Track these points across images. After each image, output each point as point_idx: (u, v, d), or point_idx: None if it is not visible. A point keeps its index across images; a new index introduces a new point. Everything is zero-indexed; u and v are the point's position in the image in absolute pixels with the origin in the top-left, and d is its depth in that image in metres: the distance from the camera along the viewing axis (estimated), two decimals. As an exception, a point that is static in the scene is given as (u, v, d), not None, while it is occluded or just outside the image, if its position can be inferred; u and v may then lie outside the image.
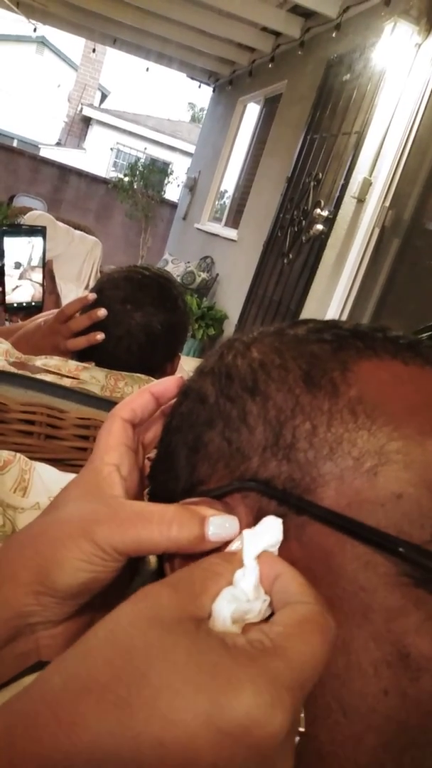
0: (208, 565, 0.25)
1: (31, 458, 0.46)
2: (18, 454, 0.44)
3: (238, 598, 0.24)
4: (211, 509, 0.28)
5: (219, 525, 0.27)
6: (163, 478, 0.33)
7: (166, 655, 0.21)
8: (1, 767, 0.20)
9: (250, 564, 0.26)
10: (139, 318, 0.90)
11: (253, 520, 0.28)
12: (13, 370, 0.72)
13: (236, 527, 0.27)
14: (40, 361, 0.82)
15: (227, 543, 0.28)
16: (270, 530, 0.26)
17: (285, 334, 0.33)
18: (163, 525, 0.27)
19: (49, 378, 0.74)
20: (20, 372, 0.71)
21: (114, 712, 0.20)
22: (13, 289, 1.03)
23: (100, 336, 0.89)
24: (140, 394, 0.34)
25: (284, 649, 0.21)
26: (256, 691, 0.20)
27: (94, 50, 10.15)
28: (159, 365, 0.93)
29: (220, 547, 0.28)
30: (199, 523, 0.27)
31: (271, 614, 0.25)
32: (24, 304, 1.05)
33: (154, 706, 0.20)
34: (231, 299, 4.95)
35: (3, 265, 1.01)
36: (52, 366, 0.82)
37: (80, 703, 0.20)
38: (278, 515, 0.27)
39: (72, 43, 15.59)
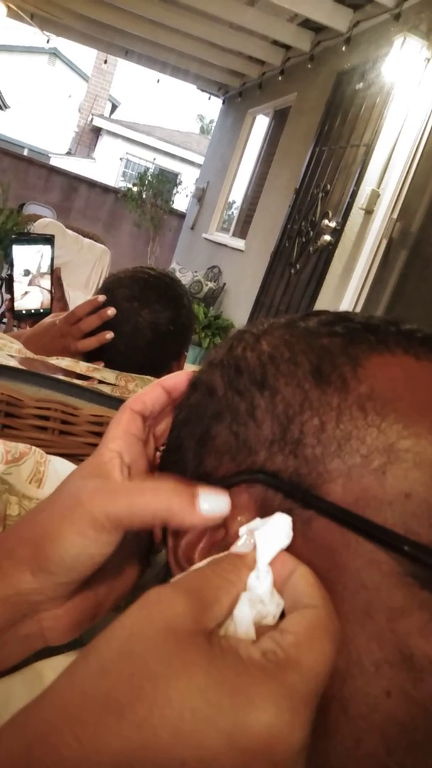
0: (221, 571, 0.25)
1: (45, 452, 0.47)
2: (33, 447, 0.45)
3: (256, 603, 0.25)
4: (204, 485, 0.28)
5: (210, 500, 0.27)
6: (171, 470, 0.33)
7: (186, 674, 0.20)
8: None
9: (264, 569, 0.25)
10: (146, 315, 0.91)
11: (257, 513, 0.28)
12: (26, 368, 0.73)
13: (227, 504, 0.27)
14: (52, 361, 0.84)
15: (224, 525, 0.28)
16: (280, 531, 0.26)
17: (296, 326, 0.32)
18: (155, 491, 0.27)
19: (61, 377, 0.75)
20: (34, 370, 0.72)
21: (136, 732, 0.20)
22: (22, 296, 1.05)
23: (109, 335, 0.90)
24: (152, 388, 0.34)
25: (297, 660, 0.22)
26: (276, 709, 0.20)
27: (105, 61, 10.25)
28: (166, 364, 0.94)
29: (223, 531, 0.28)
30: (191, 493, 0.27)
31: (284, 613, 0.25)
32: (32, 311, 1.06)
33: (177, 727, 0.20)
34: (238, 309, 4.97)
35: (12, 274, 1.02)
36: (64, 366, 0.83)
37: (101, 723, 0.20)
38: (283, 509, 0.27)
39: (83, 55, 15.78)
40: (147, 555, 0.35)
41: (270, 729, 0.20)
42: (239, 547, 0.26)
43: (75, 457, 0.64)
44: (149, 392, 0.34)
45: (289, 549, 0.26)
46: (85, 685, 0.21)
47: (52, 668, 0.30)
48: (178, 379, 0.34)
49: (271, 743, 0.20)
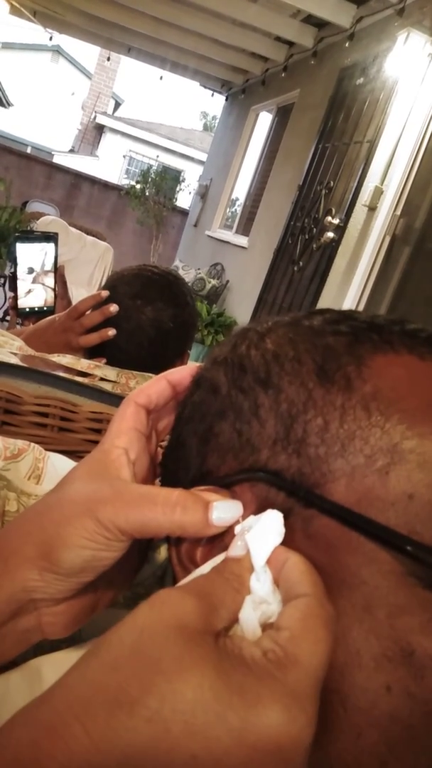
0: (224, 579, 0.25)
1: (44, 449, 0.47)
2: (32, 444, 0.45)
3: (259, 604, 0.25)
4: (216, 494, 0.28)
5: (223, 510, 0.27)
6: (174, 467, 0.33)
7: (198, 670, 0.21)
8: None
9: (261, 570, 0.26)
10: (149, 313, 0.91)
11: (257, 511, 0.28)
12: (27, 365, 0.73)
13: (240, 512, 0.27)
14: (53, 359, 0.84)
15: (232, 527, 0.28)
16: (272, 529, 0.26)
17: (300, 324, 0.32)
18: (167, 507, 0.27)
19: (61, 374, 0.75)
20: (34, 367, 0.72)
21: (147, 725, 0.20)
22: (26, 294, 1.05)
23: (111, 332, 0.90)
24: (156, 381, 0.34)
25: (296, 656, 0.22)
26: (283, 707, 0.20)
27: (108, 59, 10.25)
28: (168, 362, 0.94)
29: (226, 531, 0.28)
30: (204, 507, 0.27)
31: None
32: (36, 309, 1.07)
33: (188, 722, 0.20)
34: (241, 306, 4.96)
35: (15, 271, 1.03)
36: (65, 363, 0.83)
37: (112, 716, 0.20)
38: (285, 507, 0.27)
39: (87, 52, 15.77)
40: (145, 551, 0.35)
41: (279, 728, 0.20)
42: (234, 550, 0.26)
43: (74, 454, 0.64)
44: (154, 385, 0.33)
45: (290, 546, 0.26)
46: (96, 680, 0.21)
47: (50, 665, 0.30)
48: (183, 374, 0.34)
49: (281, 742, 0.20)
